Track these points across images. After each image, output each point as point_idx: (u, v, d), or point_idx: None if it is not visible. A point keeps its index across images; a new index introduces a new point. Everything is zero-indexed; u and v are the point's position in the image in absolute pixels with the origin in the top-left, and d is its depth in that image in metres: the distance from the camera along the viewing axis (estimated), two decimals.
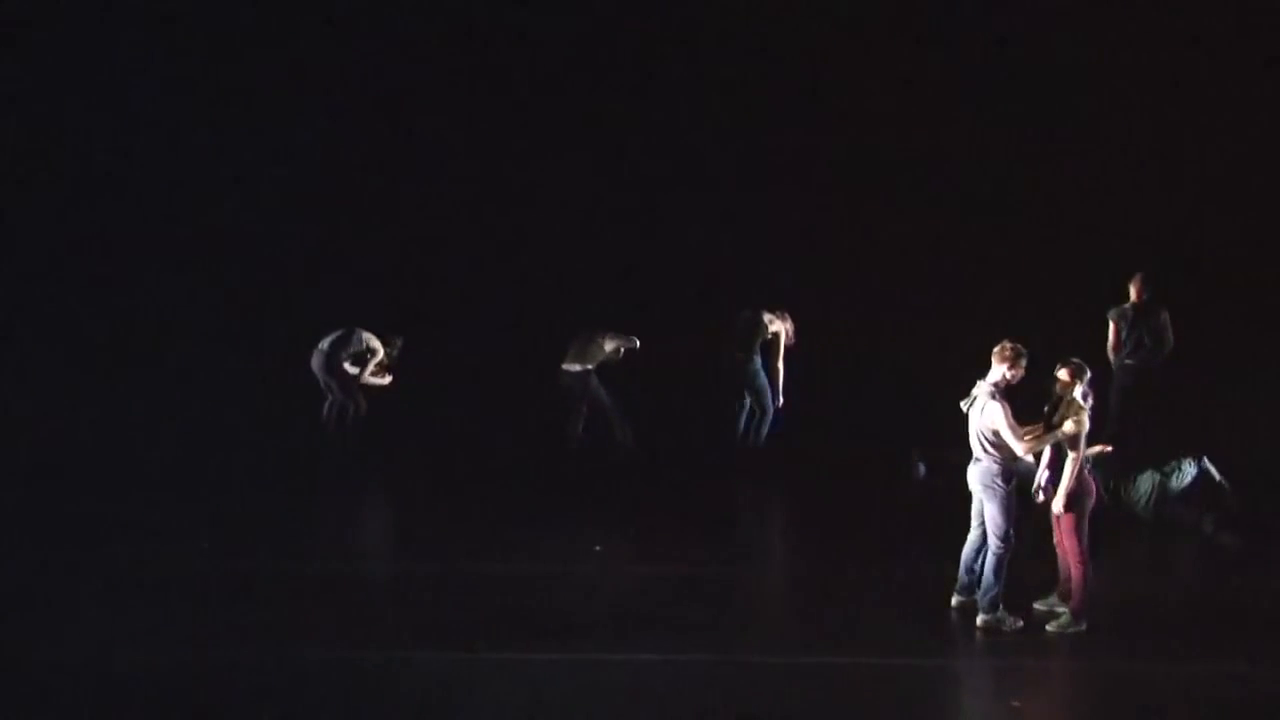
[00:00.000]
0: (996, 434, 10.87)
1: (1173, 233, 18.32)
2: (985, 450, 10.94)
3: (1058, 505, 10.91)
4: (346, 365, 16.75)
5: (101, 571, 12.22)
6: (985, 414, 10.91)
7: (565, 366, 16.64)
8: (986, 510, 11.03)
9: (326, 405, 16.91)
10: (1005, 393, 10.94)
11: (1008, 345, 11.05)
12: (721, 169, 19.33)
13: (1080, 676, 10.58)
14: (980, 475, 11.03)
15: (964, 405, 11.04)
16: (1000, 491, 10.94)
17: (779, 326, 16.37)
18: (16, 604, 11.38)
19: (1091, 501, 10.97)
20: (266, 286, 18.61)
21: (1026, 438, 10.89)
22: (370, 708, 9.70)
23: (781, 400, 16.36)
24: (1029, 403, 11.17)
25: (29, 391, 17.59)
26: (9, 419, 16.66)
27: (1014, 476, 10.96)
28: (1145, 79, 19.01)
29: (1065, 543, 10.97)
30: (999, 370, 11.01)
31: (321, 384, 16.85)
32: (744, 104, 19.42)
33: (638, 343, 16.63)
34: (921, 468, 14.99)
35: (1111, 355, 16.02)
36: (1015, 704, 9.98)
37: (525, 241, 19.17)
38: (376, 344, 16.84)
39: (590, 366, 16.61)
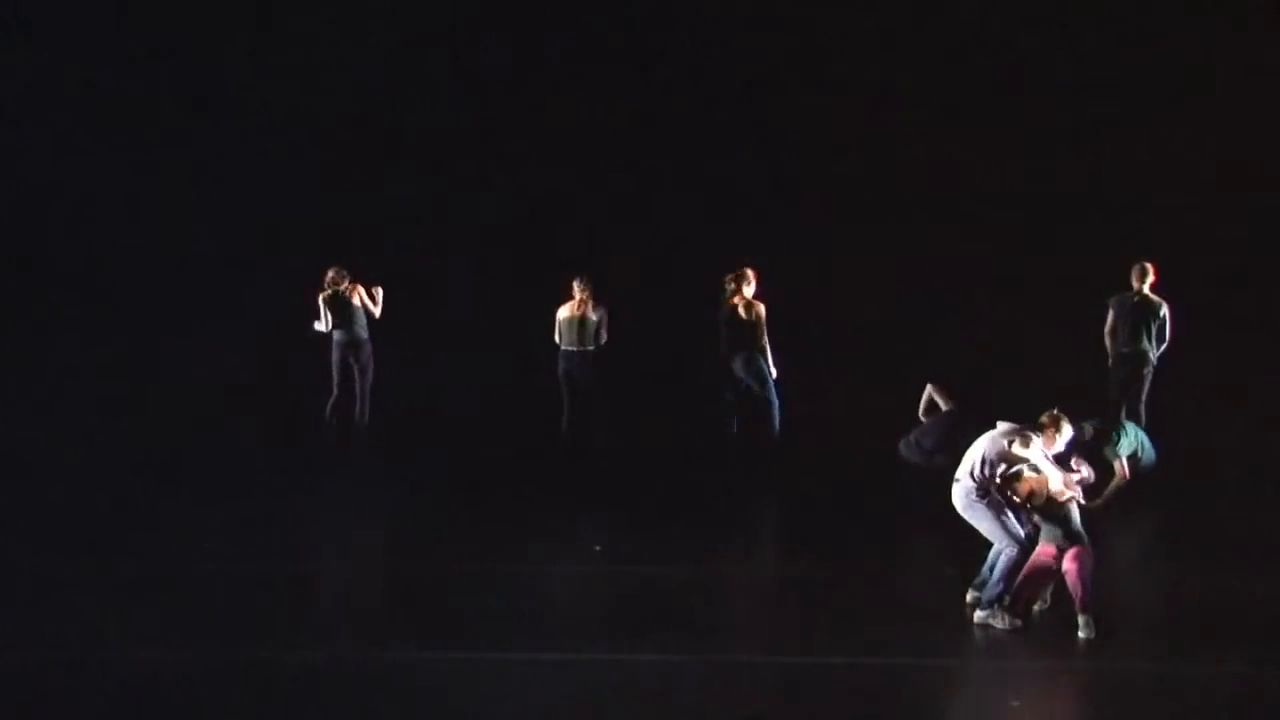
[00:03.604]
0: (1008, 460, 10.94)
1: (1177, 225, 18.33)
2: (972, 473, 11.03)
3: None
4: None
5: (101, 571, 12.22)
6: (1017, 444, 10.94)
7: (569, 348, 16.56)
8: (983, 530, 11.10)
9: (331, 403, 16.90)
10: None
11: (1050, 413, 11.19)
12: (724, 164, 19.34)
13: (1080, 676, 10.58)
14: (959, 496, 11.15)
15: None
16: (981, 506, 11.05)
17: (755, 295, 16.26)
18: (17, 604, 11.38)
19: (1091, 562, 10.97)
20: (265, 282, 18.59)
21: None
22: (370, 708, 9.70)
23: (775, 372, 16.22)
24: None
25: (26, 389, 17.60)
26: (7, 416, 16.68)
27: (989, 493, 11.03)
28: (1145, 69, 19.05)
29: (1071, 569, 10.92)
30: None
31: (338, 375, 16.78)
32: (744, 100, 19.43)
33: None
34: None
35: (1109, 341, 16.06)
36: (1015, 704, 9.98)
37: (521, 239, 19.16)
38: (365, 299, 16.77)
39: (591, 347, 16.53)
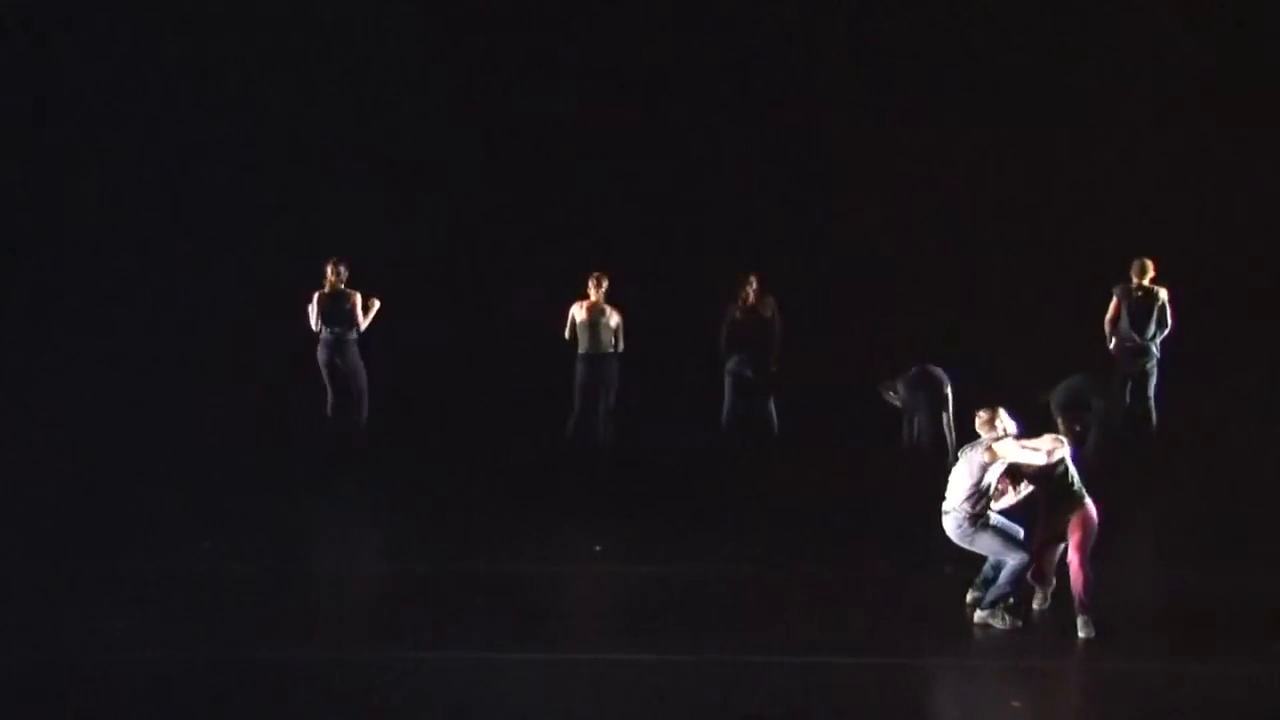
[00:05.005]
0: (991, 468, 11.02)
1: (1178, 221, 18.36)
2: (960, 495, 11.07)
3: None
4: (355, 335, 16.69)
5: (102, 571, 12.23)
6: (988, 454, 11.02)
7: (590, 352, 16.43)
8: (984, 550, 11.16)
9: (330, 403, 16.87)
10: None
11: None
12: (725, 164, 19.36)
13: (1080, 676, 10.59)
14: (952, 527, 11.18)
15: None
16: (974, 530, 11.08)
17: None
18: (17, 604, 11.38)
19: (1095, 530, 11.01)
20: (264, 281, 18.58)
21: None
22: (371, 708, 9.70)
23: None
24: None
25: (27, 386, 17.60)
26: (7, 415, 16.67)
27: (980, 515, 11.06)
28: (1147, 66, 19.06)
29: (1074, 560, 10.96)
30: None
31: (327, 378, 16.70)
32: (744, 100, 19.44)
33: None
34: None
35: (1109, 328, 16.19)
36: (1015, 704, 9.98)
37: (522, 238, 19.15)
38: (358, 308, 16.60)
39: (610, 350, 16.46)
